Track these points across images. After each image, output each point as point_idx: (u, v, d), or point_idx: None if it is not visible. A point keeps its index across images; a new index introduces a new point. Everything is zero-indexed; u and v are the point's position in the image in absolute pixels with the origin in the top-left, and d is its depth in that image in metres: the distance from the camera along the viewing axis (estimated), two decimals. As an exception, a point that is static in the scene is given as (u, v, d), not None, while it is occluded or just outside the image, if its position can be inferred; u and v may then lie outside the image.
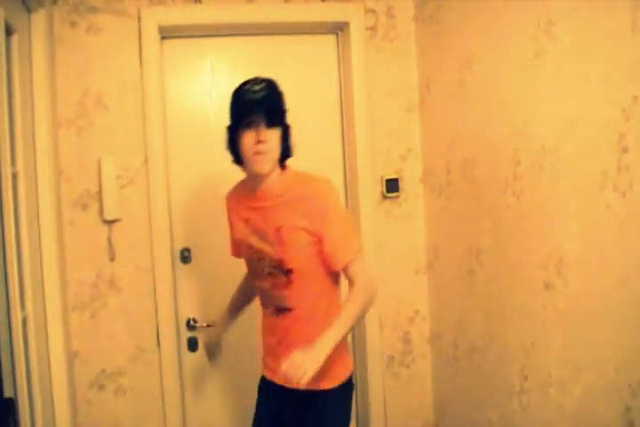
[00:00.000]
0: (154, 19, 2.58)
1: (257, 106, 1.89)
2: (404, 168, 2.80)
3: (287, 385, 2.00)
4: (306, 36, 2.81)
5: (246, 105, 1.91)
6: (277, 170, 1.98)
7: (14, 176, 2.00)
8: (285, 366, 1.73)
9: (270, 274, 1.99)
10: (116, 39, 2.56)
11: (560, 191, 1.85)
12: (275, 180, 1.97)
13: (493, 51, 2.17)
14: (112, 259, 2.57)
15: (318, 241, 1.92)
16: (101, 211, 2.54)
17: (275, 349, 2.04)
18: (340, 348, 1.95)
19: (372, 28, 2.76)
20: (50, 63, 2.37)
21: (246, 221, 2.04)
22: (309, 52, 2.81)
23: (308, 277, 1.97)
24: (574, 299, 1.82)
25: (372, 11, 2.76)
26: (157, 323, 2.60)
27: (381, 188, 2.78)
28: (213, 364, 2.48)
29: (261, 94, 1.90)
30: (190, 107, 2.73)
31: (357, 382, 2.67)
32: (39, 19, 2.27)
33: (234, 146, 1.96)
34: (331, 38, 2.84)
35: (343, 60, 2.81)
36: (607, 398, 1.69)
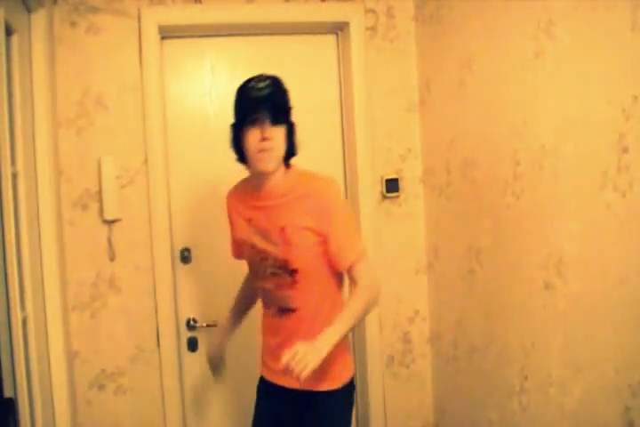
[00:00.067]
0: (154, 19, 2.58)
1: (262, 103, 1.86)
2: (403, 168, 2.80)
3: (287, 385, 2.00)
4: (306, 36, 2.81)
5: (251, 102, 1.88)
6: (282, 169, 1.95)
7: (14, 176, 2.00)
8: (287, 358, 1.70)
9: (274, 274, 1.97)
10: (116, 39, 2.56)
11: (560, 191, 1.85)
12: (279, 179, 1.95)
13: (493, 51, 2.17)
14: (112, 259, 2.57)
15: (323, 241, 1.91)
16: (101, 211, 2.54)
17: (276, 350, 1.99)
18: (341, 348, 1.94)
19: (372, 28, 2.76)
20: (50, 63, 2.37)
21: (249, 220, 2.01)
22: (309, 52, 2.81)
23: (312, 278, 1.95)
24: (574, 299, 1.81)
25: (372, 11, 2.76)
26: (157, 323, 2.60)
27: (381, 188, 2.78)
28: (217, 378, 2.41)
29: (266, 91, 1.87)
30: (190, 107, 2.73)
31: (357, 381, 2.67)
32: (39, 19, 2.27)
33: (238, 144, 1.94)
34: (331, 38, 2.84)
35: (343, 60, 2.81)
36: (607, 398, 1.69)
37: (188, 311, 2.72)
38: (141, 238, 2.59)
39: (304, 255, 1.92)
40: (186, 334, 2.71)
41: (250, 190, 2.03)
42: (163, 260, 2.61)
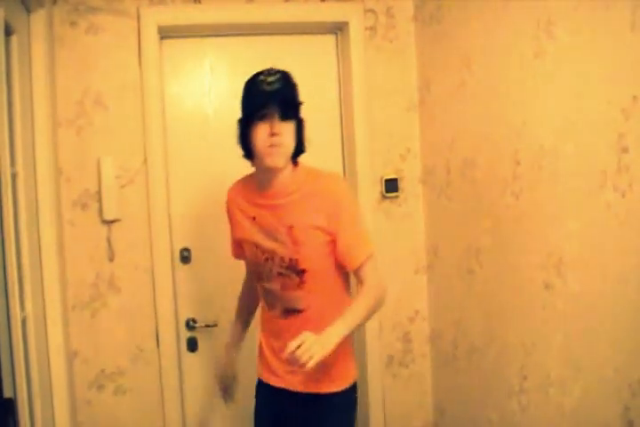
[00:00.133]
0: (153, 19, 2.58)
1: (272, 97, 1.81)
2: (403, 168, 2.80)
3: (291, 388, 1.95)
4: (305, 36, 2.81)
5: (260, 96, 1.82)
6: (290, 166, 1.90)
7: (14, 176, 2.00)
8: (293, 347, 1.64)
9: (280, 274, 1.92)
10: (115, 39, 2.56)
11: (559, 191, 1.85)
12: (287, 176, 1.90)
13: (493, 50, 2.17)
14: (112, 259, 2.57)
15: (333, 240, 1.87)
16: (101, 211, 2.54)
17: (280, 352, 1.91)
18: (345, 351, 1.91)
19: (372, 28, 2.76)
20: (49, 63, 2.37)
21: (253, 218, 1.95)
22: (309, 52, 2.81)
23: (320, 278, 1.91)
24: (574, 299, 1.81)
25: (372, 11, 2.76)
26: (157, 323, 2.60)
27: (381, 188, 2.77)
28: (229, 404, 2.27)
29: (276, 86, 1.82)
30: (190, 107, 2.73)
31: (357, 381, 2.67)
32: (39, 19, 2.27)
33: (245, 139, 1.88)
34: (330, 38, 2.84)
35: (343, 59, 2.81)
36: (606, 398, 1.69)
37: (187, 311, 2.72)
38: (141, 238, 2.59)
39: (313, 255, 1.88)
40: (185, 335, 2.71)
41: (254, 187, 1.97)
42: (162, 260, 2.61)
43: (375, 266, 1.92)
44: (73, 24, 2.52)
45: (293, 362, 1.65)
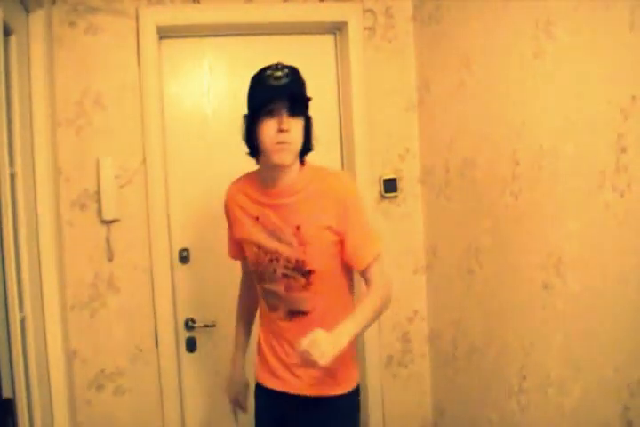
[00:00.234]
0: (152, 19, 2.58)
1: (280, 92, 1.76)
2: (402, 168, 2.80)
3: (292, 392, 1.92)
4: (304, 36, 2.81)
5: (268, 91, 1.77)
6: (297, 164, 1.86)
7: (12, 177, 2.00)
8: (305, 344, 1.60)
9: (285, 276, 1.87)
10: (114, 39, 2.55)
11: (559, 191, 1.85)
12: (293, 175, 1.85)
13: (492, 50, 2.17)
14: (111, 259, 2.57)
15: (340, 240, 1.84)
16: (100, 211, 2.54)
17: (282, 354, 1.92)
18: (349, 354, 1.89)
19: (371, 28, 2.76)
20: (48, 63, 2.37)
21: (256, 218, 1.90)
22: (308, 52, 2.81)
23: (327, 279, 1.87)
24: (573, 299, 1.82)
25: (371, 11, 2.76)
26: (156, 323, 2.60)
27: (380, 188, 2.77)
28: (239, 420, 2.16)
29: (284, 81, 1.76)
30: (189, 107, 2.73)
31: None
32: (38, 19, 2.27)
33: (251, 136, 1.83)
34: (329, 38, 2.84)
35: (341, 60, 2.81)
36: (606, 398, 1.69)
37: (186, 312, 2.72)
38: (140, 238, 2.59)
39: (320, 255, 1.84)
40: (184, 335, 2.71)
41: (258, 186, 1.91)
42: (161, 260, 2.60)
43: (382, 266, 1.90)
44: (72, 24, 2.52)
45: (305, 360, 1.62)
